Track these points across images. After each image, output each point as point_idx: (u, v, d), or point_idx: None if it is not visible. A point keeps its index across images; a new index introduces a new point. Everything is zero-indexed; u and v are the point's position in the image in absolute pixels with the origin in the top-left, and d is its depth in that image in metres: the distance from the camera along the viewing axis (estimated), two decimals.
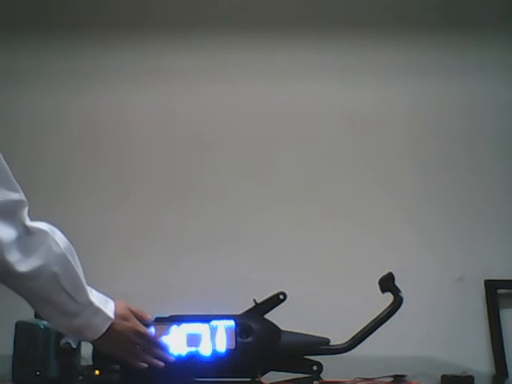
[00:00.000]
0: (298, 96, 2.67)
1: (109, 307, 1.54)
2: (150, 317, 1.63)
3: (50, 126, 2.63)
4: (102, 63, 2.66)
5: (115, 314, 1.54)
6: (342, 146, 2.67)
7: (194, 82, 2.65)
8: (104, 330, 1.52)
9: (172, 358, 1.61)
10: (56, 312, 1.48)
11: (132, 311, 1.60)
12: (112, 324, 1.53)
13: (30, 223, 1.45)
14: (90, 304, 1.50)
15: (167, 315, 1.66)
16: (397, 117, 2.68)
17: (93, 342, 1.56)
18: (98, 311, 1.51)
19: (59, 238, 1.48)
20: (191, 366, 1.62)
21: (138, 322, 1.59)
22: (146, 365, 1.59)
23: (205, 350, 1.63)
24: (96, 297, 1.52)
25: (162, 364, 1.60)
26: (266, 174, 2.65)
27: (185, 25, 2.68)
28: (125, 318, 1.57)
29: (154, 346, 1.61)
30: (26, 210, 1.45)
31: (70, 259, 1.48)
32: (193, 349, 1.63)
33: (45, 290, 1.46)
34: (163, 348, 1.61)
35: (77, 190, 2.61)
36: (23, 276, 1.43)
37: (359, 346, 1.71)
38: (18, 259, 1.42)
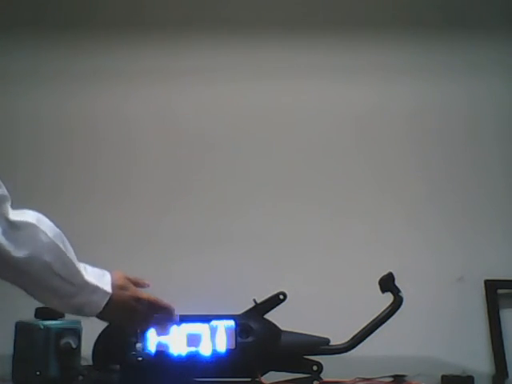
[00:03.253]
0: (298, 96, 2.67)
1: (105, 281, 1.54)
2: (148, 282, 1.64)
3: (50, 126, 2.63)
4: (102, 63, 2.65)
5: (113, 286, 1.55)
6: (343, 145, 2.67)
7: (193, 82, 2.65)
8: (103, 305, 1.52)
9: (177, 318, 1.62)
10: (52, 295, 1.48)
11: (129, 279, 1.60)
12: (111, 297, 1.53)
13: (14, 217, 1.44)
14: (86, 284, 1.50)
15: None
16: (397, 117, 2.68)
17: (97, 317, 1.55)
18: (95, 289, 1.51)
19: (46, 226, 1.47)
20: (191, 365, 1.62)
21: (136, 289, 1.60)
22: (152, 328, 1.61)
23: (205, 350, 1.63)
24: (91, 274, 1.53)
25: (167, 325, 1.62)
26: (266, 174, 2.65)
27: (184, 25, 2.68)
28: (123, 288, 1.57)
29: (157, 309, 1.61)
30: (8, 205, 1.44)
31: (61, 246, 1.47)
32: (193, 349, 1.63)
33: (38, 279, 1.45)
34: (166, 308, 1.62)
35: (76, 190, 2.61)
36: (15, 266, 1.42)
37: (359, 346, 1.71)
38: (7, 252, 1.42)
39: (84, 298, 1.50)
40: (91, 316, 1.54)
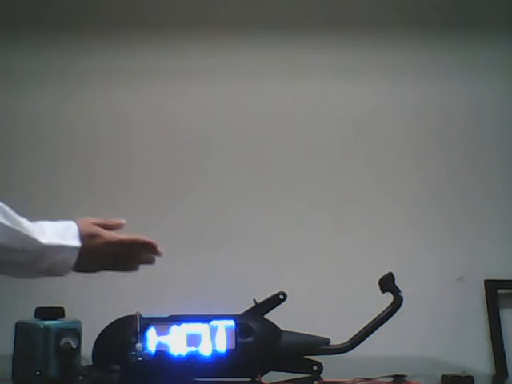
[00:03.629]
0: (298, 96, 2.67)
1: (71, 234, 1.46)
2: (122, 221, 1.57)
3: (49, 127, 2.63)
4: (101, 63, 2.65)
5: (81, 238, 1.47)
6: (343, 145, 2.67)
7: (193, 82, 2.65)
8: (74, 260, 1.46)
9: (161, 251, 1.57)
10: (14, 269, 1.44)
11: (99, 224, 1.52)
12: (82, 248, 1.46)
13: None
14: (45, 247, 1.43)
15: (167, 315, 1.66)
16: (397, 116, 2.68)
17: (74, 271, 1.48)
18: (59, 248, 1.45)
19: None
20: (191, 365, 1.62)
21: (108, 233, 1.52)
22: (138, 267, 1.55)
23: (205, 350, 1.63)
24: (51, 233, 1.45)
25: (153, 259, 1.57)
26: (265, 174, 2.65)
27: (185, 25, 2.68)
28: (93, 236, 1.49)
29: (136, 247, 1.56)
30: None
31: (2, 221, 1.40)
32: (193, 349, 1.63)
33: None
34: (147, 243, 1.56)
35: (75, 190, 2.61)
36: None
37: (359, 346, 1.71)
38: None
39: (49, 261, 1.44)
40: (66, 274, 1.47)
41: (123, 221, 1.59)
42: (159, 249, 1.58)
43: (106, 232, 1.52)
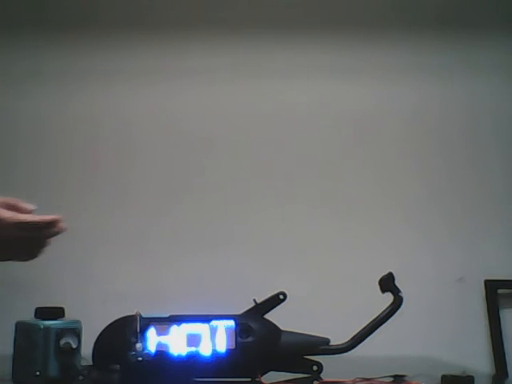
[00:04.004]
0: (297, 96, 2.67)
1: None
2: (29, 206, 1.40)
3: (50, 127, 2.63)
4: (101, 63, 2.65)
5: None
6: (343, 146, 2.67)
7: (194, 82, 2.65)
8: None
9: (64, 226, 1.41)
10: None
11: (3, 203, 1.35)
12: None
13: None
14: None
15: (167, 315, 1.66)
16: (396, 117, 2.68)
17: None
18: None
19: None
20: (191, 365, 1.62)
21: (6, 213, 1.35)
22: (41, 252, 1.39)
23: (205, 350, 1.63)
24: None
25: (52, 236, 1.40)
26: (265, 175, 2.65)
27: (185, 25, 2.68)
28: None
29: (40, 229, 1.39)
30: None
31: None
32: (193, 349, 1.63)
33: None
34: (52, 223, 1.41)
35: (75, 190, 2.61)
36: None
37: (359, 346, 1.72)
38: None
39: None
40: None
41: (32, 206, 1.41)
42: (63, 224, 1.42)
43: (5, 213, 1.35)
